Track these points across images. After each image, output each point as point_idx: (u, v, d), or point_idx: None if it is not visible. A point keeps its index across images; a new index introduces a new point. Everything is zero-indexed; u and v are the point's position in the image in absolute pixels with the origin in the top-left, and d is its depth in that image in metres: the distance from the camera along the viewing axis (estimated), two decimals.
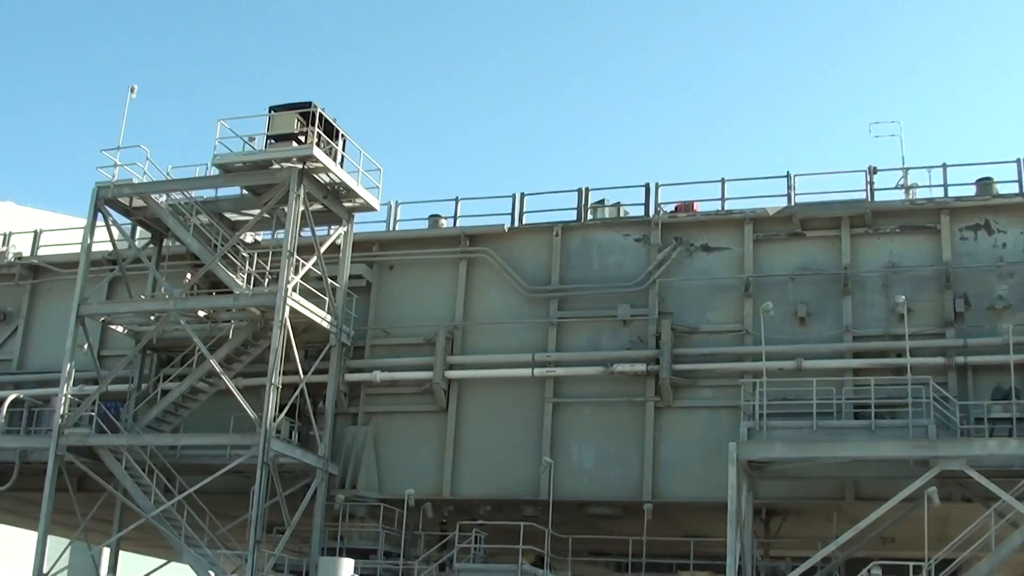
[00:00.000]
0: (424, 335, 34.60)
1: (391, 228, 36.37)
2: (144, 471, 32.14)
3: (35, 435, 34.30)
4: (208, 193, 34.66)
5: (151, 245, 36.11)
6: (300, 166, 32.19)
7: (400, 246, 35.91)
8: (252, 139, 32.72)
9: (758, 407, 28.69)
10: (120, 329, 35.03)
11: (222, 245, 32.90)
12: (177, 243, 35.81)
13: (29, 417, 35.96)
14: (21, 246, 40.88)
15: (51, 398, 35.58)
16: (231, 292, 32.40)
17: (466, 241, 35.07)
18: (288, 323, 31.83)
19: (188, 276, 35.90)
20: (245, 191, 34.25)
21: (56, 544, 35.18)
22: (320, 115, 33.05)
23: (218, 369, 31.68)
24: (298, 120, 33.00)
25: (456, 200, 35.86)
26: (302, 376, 32.01)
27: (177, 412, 33.63)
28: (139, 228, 36.84)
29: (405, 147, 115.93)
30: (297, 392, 31.84)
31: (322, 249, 33.22)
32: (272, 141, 33.13)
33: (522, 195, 35.33)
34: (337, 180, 33.01)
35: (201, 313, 33.01)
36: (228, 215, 35.06)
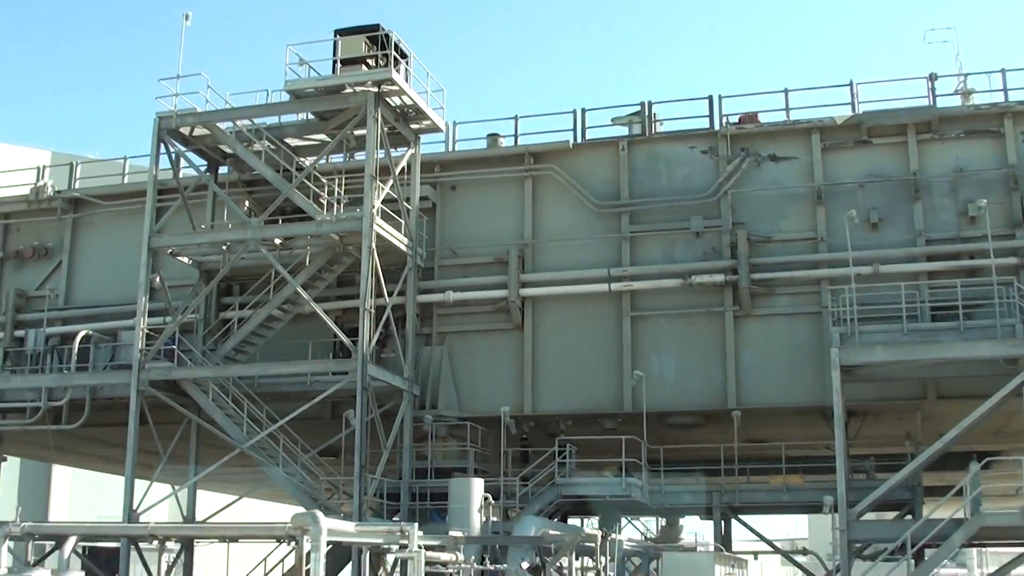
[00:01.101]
0: (493, 254, 34.73)
1: (450, 148, 36.21)
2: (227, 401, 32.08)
3: (111, 370, 33.83)
4: (269, 120, 34.16)
5: (207, 174, 35.54)
6: (375, 90, 31.84)
7: (462, 166, 35.82)
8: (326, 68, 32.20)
9: (849, 312, 29.39)
10: (186, 260, 34.56)
11: (296, 172, 32.54)
12: (231, 171, 35.51)
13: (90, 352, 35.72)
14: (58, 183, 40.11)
15: (118, 332, 35.26)
16: (307, 218, 32.13)
17: (530, 159, 35.11)
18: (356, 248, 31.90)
19: (246, 204, 35.60)
20: (311, 116, 33.79)
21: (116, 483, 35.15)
22: (387, 37, 32.65)
23: (304, 295, 31.60)
24: (365, 43, 32.56)
25: (515, 118, 35.84)
26: (387, 299, 31.97)
27: (252, 342, 33.47)
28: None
29: (458, 65, 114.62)
30: (386, 314, 31.83)
31: (397, 171, 33.01)
32: (340, 65, 32.68)
33: (583, 111, 35.44)
34: (409, 103, 32.72)
35: (277, 241, 32.71)
36: (289, 141, 34.59)
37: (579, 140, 35.13)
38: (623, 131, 35.04)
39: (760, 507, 33.93)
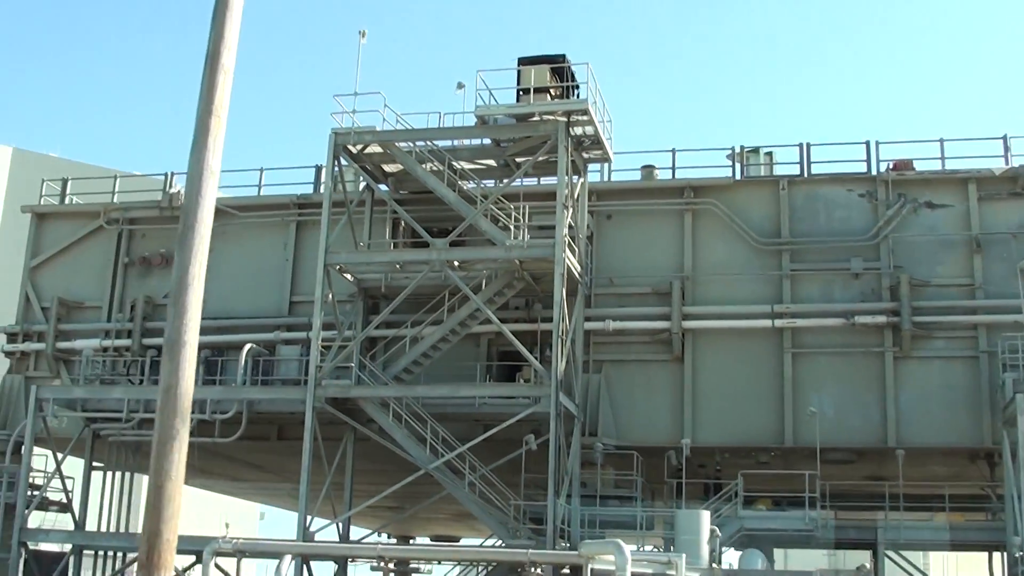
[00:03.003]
0: (651, 284, 35.29)
1: (606, 178, 36.69)
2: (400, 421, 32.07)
3: (284, 386, 33.61)
4: (441, 142, 34.30)
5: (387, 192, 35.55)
6: (565, 119, 32.22)
7: (619, 196, 36.31)
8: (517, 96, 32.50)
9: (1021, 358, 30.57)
10: (349, 277, 34.47)
11: (482, 198, 32.74)
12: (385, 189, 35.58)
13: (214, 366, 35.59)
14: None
15: (276, 345, 35.05)
16: (488, 241, 32.40)
17: (690, 192, 35.73)
18: (530, 272, 32.29)
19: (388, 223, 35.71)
20: (486, 141, 34.02)
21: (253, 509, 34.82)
22: (568, 69, 33.12)
23: (492, 318, 31.78)
24: (550, 73, 32.95)
25: (673, 151, 36.45)
26: (568, 323, 32.29)
27: (419, 362, 33.52)
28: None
29: (614, 94, 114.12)
30: (565, 340, 32.13)
31: (574, 198, 33.41)
32: (522, 93, 33.02)
33: (742, 148, 36.15)
34: (591, 132, 33.15)
35: (456, 263, 32.84)
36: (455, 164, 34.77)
37: (737, 176, 35.81)
38: (783, 169, 35.80)
39: (922, 544, 34.84)
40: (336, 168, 33.87)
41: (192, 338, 13.99)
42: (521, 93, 33.09)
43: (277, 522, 39.85)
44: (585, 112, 32.07)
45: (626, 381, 35.06)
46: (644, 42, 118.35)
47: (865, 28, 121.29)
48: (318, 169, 38.37)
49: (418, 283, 32.56)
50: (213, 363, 36.30)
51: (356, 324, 34.89)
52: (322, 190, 37.80)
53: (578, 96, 33.10)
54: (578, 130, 33.15)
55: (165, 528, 13.71)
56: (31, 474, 38.41)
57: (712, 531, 28.55)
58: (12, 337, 39.74)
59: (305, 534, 31.53)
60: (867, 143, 35.54)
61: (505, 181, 33.92)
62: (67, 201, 41.39)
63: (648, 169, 36.76)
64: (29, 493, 38.48)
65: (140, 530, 13.66)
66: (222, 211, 38.22)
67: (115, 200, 40.29)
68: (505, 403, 32.44)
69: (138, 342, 37.83)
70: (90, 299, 39.56)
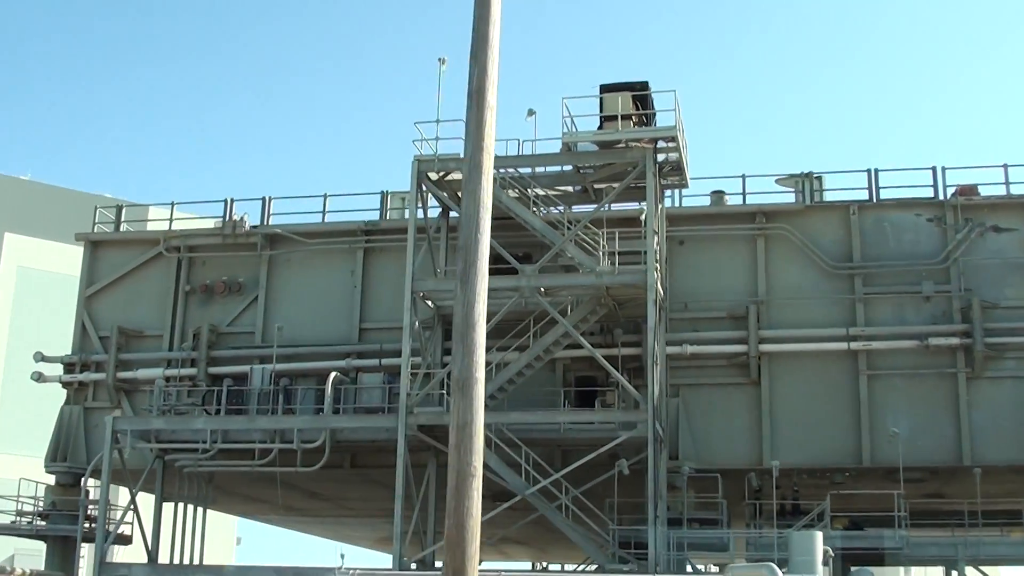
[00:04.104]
0: (726, 309, 35.71)
1: (676, 204, 37.07)
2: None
3: (366, 414, 33.55)
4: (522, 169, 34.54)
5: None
6: (652, 145, 32.60)
7: (690, 221, 36.69)
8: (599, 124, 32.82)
9: None
10: (430, 303, 34.51)
11: (568, 225, 32.99)
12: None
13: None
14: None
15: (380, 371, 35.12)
16: (564, 267, 32.79)
17: (762, 218, 36.22)
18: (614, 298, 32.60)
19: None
20: (567, 168, 34.31)
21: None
22: (648, 96, 33.56)
23: (584, 344, 32.00)
24: (632, 100, 33.34)
25: (743, 177, 36.97)
26: (651, 347, 32.54)
27: (504, 388, 33.63)
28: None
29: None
30: (655, 365, 32.42)
31: (653, 224, 33.75)
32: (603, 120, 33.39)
33: (809, 174, 36.73)
34: (674, 159, 33.55)
35: (542, 289, 33.01)
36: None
37: (808, 202, 36.37)
38: (854, 195, 36.41)
39: (1001, 559, 35.50)
40: (424, 196, 34.00)
41: (481, 375, 14.08)
42: (603, 120, 33.45)
43: (254, 548, 39.30)
44: (673, 139, 32.50)
45: (703, 404, 35.41)
46: (705, 68, 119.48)
47: (931, 59, 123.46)
48: (384, 195, 38.34)
49: (508, 309, 32.65)
50: (280, 391, 36.04)
51: (435, 350, 34.93)
52: (388, 215, 38.18)
53: (655, 123, 33.56)
54: (660, 156, 33.52)
55: (468, 565, 13.84)
56: (88, 507, 38.14)
57: (825, 551, 28.90)
58: (69, 367, 39.19)
59: (401, 563, 31.46)
60: (933, 169, 36.27)
61: (591, 207, 34.18)
62: (121, 229, 40.96)
63: (718, 195, 37.21)
64: (88, 525, 38.17)
65: (209, 561, 13.66)
66: (283, 237, 38.26)
67: (171, 227, 39.97)
68: (586, 428, 32.68)
69: (203, 371, 37.48)
70: (149, 328, 39.16)
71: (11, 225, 72.94)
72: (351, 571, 26.93)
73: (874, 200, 36.32)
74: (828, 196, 36.83)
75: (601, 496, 32.50)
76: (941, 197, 36.00)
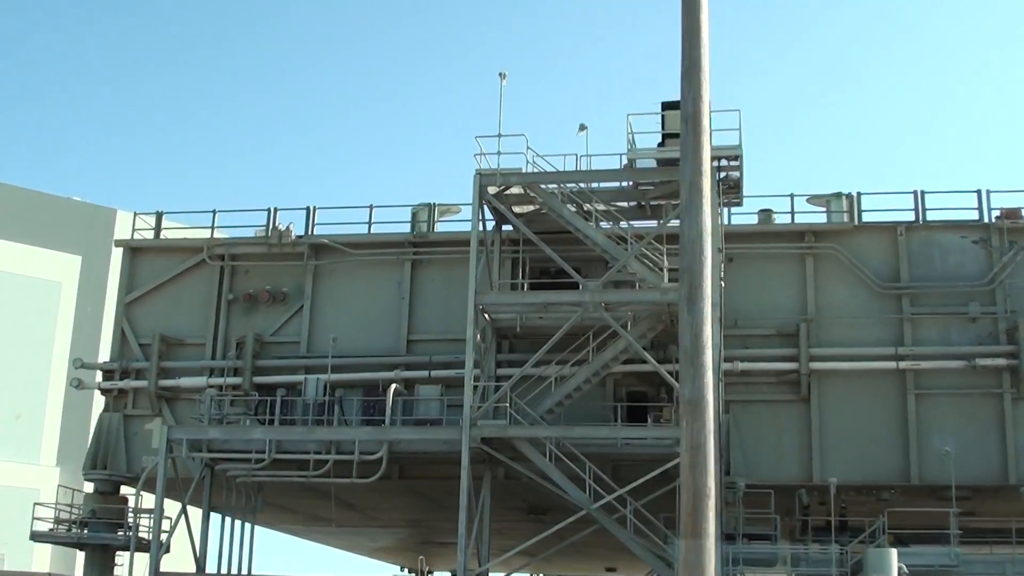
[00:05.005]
0: (775, 326, 36.08)
1: (725, 222, 37.36)
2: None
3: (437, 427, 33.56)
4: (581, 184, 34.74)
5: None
6: (715, 163, 32.92)
7: (739, 239, 36.96)
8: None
9: None
10: (487, 316, 34.57)
11: (633, 241, 33.21)
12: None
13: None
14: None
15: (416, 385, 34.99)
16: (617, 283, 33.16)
17: (811, 237, 36.64)
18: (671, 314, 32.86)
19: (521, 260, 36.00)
20: (625, 184, 34.56)
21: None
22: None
23: (648, 358, 32.24)
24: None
25: (791, 196, 37.35)
26: (717, 365, 32.84)
27: (562, 402, 33.76)
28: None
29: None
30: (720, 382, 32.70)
31: (717, 242, 34.03)
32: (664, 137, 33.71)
33: (858, 194, 37.21)
34: (736, 176, 33.91)
35: (605, 304, 33.19)
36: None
37: (856, 222, 36.85)
38: (900, 216, 36.92)
39: None
40: (483, 211, 34.09)
41: (711, 397, 14.22)
42: (664, 137, 33.76)
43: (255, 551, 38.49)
44: (736, 157, 32.85)
45: (754, 421, 35.74)
46: (751, 86, 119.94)
47: (973, 82, 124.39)
48: (431, 207, 38.34)
49: (572, 324, 32.80)
50: (336, 402, 35.96)
51: (490, 363, 35.02)
52: (436, 228, 38.23)
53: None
54: (721, 174, 33.85)
55: None
56: (125, 515, 37.87)
57: (900, 568, 29.25)
58: (108, 374, 38.81)
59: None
60: (979, 191, 36.88)
61: (647, 223, 34.51)
62: (161, 235, 40.60)
63: (766, 213, 37.59)
64: (121, 533, 37.90)
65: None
66: (328, 247, 38.17)
67: (214, 235, 39.73)
68: (640, 443, 32.90)
69: (249, 380, 37.27)
70: (191, 336, 38.89)
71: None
72: None
73: (920, 221, 36.84)
74: (867, 217, 37.22)
75: (649, 509, 32.65)
76: (986, 219, 36.60)
